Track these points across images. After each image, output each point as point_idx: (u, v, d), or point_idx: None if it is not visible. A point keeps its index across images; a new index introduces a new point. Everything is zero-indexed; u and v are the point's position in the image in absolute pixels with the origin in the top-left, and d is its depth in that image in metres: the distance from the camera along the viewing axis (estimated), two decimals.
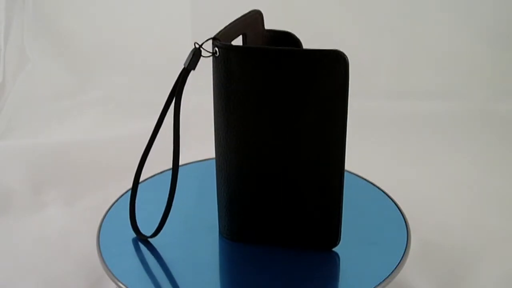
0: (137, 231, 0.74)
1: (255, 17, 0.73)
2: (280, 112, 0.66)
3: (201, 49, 0.66)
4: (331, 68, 0.63)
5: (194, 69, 0.66)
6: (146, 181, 0.87)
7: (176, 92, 0.67)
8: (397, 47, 1.44)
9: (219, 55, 0.65)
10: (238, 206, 0.72)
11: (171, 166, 0.71)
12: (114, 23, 1.45)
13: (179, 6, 1.44)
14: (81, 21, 1.45)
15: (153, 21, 1.45)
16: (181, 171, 0.83)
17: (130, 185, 0.85)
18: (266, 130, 0.67)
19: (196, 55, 0.66)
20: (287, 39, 0.74)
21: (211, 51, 0.66)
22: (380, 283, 0.66)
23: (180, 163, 0.83)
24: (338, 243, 0.71)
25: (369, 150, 1.20)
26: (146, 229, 0.75)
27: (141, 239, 0.74)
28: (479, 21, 1.42)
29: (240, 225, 0.73)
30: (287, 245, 0.72)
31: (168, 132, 0.71)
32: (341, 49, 0.62)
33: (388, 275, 0.68)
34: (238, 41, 0.70)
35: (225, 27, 0.68)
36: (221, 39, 0.66)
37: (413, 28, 1.44)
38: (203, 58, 0.66)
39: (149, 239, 0.74)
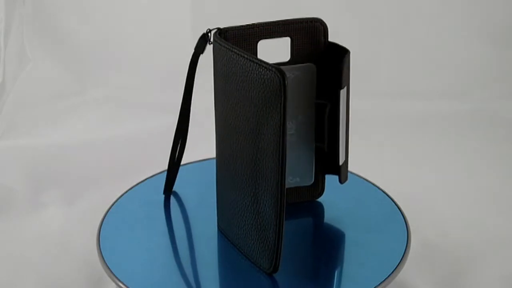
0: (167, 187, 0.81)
1: (314, 25, 0.72)
2: (239, 115, 0.65)
3: (209, 35, 0.68)
4: (273, 83, 0.60)
5: (202, 53, 0.70)
6: (153, 177, 0.87)
7: (188, 72, 0.73)
8: (397, 47, 1.44)
9: (212, 45, 0.67)
10: (221, 202, 0.72)
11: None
12: (114, 23, 1.45)
13: (180, 6, 1.43)
14: (82, 21, 1.45)
15: (154, 21, 1.45)
16: (181, 171, 0.83)
17: (130, 185, 0.86)
18: (233, 131, 0.66)
19: (202, 39, 0.70)
20: (341, 55, 0.71)
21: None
22: (380, 283, 0.66)
23: (182, 162, 0.83)
24: (276, 270, 0.66)
25: (369, 150, 1.19)
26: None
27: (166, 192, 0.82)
28: (480, 21, 1.42)
29: (223, 221, 0.73)
30: (245, 256, 0.70)
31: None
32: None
33: (388, 275, 0.68)
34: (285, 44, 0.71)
35: (253, 24, 0.69)
36: (231, 31, 0.67)
37: (413, 28, 1.44)
38: None
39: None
